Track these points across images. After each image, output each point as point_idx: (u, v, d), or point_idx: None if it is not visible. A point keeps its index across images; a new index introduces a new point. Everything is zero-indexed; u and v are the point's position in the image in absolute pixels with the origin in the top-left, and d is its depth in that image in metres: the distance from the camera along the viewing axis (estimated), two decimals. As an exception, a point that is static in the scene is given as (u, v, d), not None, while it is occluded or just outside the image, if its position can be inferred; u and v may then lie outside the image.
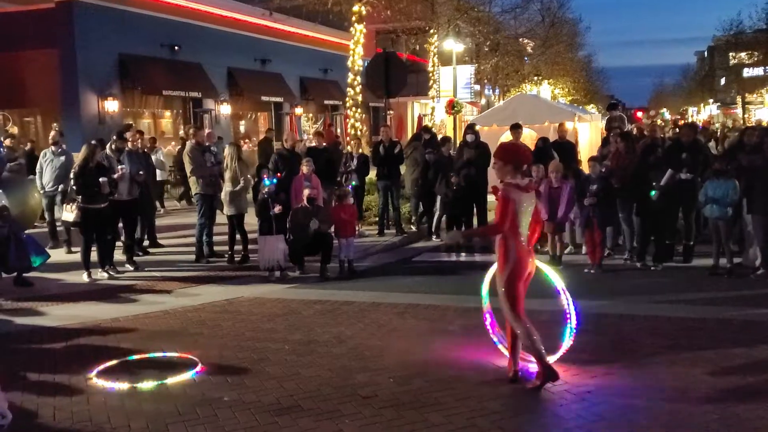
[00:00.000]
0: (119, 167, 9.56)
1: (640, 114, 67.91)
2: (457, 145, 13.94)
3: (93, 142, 9.41)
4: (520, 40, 37.32)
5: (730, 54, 60.03)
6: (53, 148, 11.17)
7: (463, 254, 11.08)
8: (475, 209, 11.64)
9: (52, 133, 11.81)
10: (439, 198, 11.74)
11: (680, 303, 7.65)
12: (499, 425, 4.59)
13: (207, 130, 13.78)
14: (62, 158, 11.00)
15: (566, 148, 12.37)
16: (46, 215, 11.47)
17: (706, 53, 79.54)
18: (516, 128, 11.53)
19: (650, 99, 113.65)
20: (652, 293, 8.15)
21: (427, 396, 5.10)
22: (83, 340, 6.79)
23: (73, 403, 5.14)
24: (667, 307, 7.46)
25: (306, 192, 9.49)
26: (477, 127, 13.84)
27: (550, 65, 41.42)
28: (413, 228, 12.68)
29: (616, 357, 5.87)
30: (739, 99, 59.97)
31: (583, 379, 5.38)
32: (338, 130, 29.85)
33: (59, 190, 10.84)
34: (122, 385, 5.44)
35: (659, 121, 32.96)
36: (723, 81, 66.49)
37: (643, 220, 9.49)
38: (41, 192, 11.17)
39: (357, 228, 10.82)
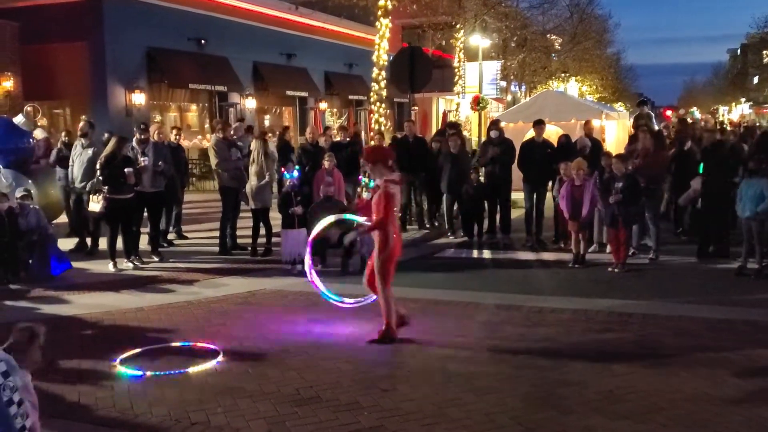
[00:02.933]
0: (141, 159, 9.64)
1: (669, 113, 66.97)
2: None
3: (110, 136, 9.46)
4: (548, 36, 36.99)
5: (764, 52, 58.93)
6: (83, 140, 10.46)
7: (485, 252, 11.04)
8: (498, 207, 11.59)
9: (81, 123, 10.95)
10: (445, 195, 11.68)
11: (705, 303, 7.53)
12: (518, 421, 4.58)
13: (236, 123, 13.85)
14: (89, 151, 10.27)
15: (592, 146, 12.23)
16: (65, 208, 11.17)
17: (738, 51, 78.16)
18: (538, 124, 11.41)
19: (680, 97, 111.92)
20: (677, 293, 8.05)
21: (447, 390, 5.10)
22: (108, 329, 6.90)
23: (98, 389, 5.24)
24: (691, 308, 7.36)
25: (322, 192, 9.54)
26: (502, 124, 13.76)
27: (577, 62, 40.93)
28: (436, 224, 12.67)
29: (638, 356, 5.81)
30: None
31: (604, 377, 5.34)
32: (362, 125, 29.86)
33: (87, 188, 9.98)
34: (145, 373, 5.52)
35: (689, 120, 32.35)
36: (756, 80, 65.28)
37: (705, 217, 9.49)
38: (71, 187, 10.58)
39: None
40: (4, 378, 2.60)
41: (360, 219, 6.94)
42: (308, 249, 7.20)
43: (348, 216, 7.49)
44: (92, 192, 9.56)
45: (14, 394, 2.63)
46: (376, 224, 6.16)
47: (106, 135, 11.82)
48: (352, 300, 6.91)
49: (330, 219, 7.31)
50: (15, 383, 2.64)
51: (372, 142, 13.57)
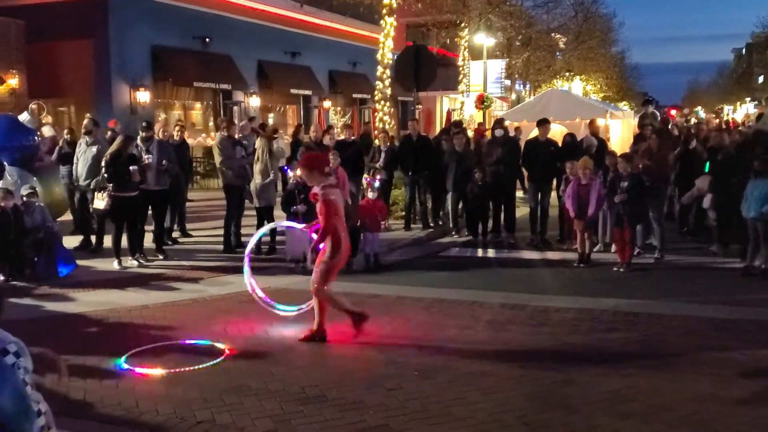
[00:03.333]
0: (145, 157, 9.64)
1: (673, 112, 66.73)
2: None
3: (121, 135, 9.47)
4: (553, 35, 36.91)
5: (769, 51, 58.65)
6: (87, 138, 10.48)
7: (490, 251, 11.03)
8: (503, 206, 11.57)
9: (85, 121, 10.95)
10: (450, 194, 11.66)
11: (711, 303, 7.51)
12: (524, 421, 4.57)
13: (243, 122, 13.86)
14: (94, 149, 10.30)
15: (598, 145, 12.19)
16: (70, 206, 11.21)
17: (743, 50, 77.89)
18: (543, 123, 11.38)
19: (684, 97, 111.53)
20: (683, 293, 8.03)
21: (452, 390, 5.10)
22: (113, 326, 6.91)
23: (103, 387, 5.24)
24: (697, 307, 7.35)
25: None
26: (506, 123, 13.73)
27: (582, 61, 40.84)
28: (440, 222, 12.65)
29: (644, 356, 5.80)
30: (777, 98, 58.61)
31: (610, 377, 5.33)
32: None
33: (91, 186, 9.97)
34: (150, 371, 5.52)
35: (693, 120, 32.26)
36: (761, 79, 65.06)
37: (720, 214, 9.48)
38: (75, 184, 10.62)
39: (384, 223, 10.82)
40: (16, 357, 2.59)
41: (299, 226, 7.15)
42: (251, 244, 7.56)
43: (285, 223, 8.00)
44: (96, 189, 9.56)
45: (27, 375, 2.63)
46: (324, 234, 6.10)
47: (109, 133, 11.85)
48: (294, 308, 6.85)
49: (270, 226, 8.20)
50: (27, 365, 2.64)
51: (377, 141, 13.58)
